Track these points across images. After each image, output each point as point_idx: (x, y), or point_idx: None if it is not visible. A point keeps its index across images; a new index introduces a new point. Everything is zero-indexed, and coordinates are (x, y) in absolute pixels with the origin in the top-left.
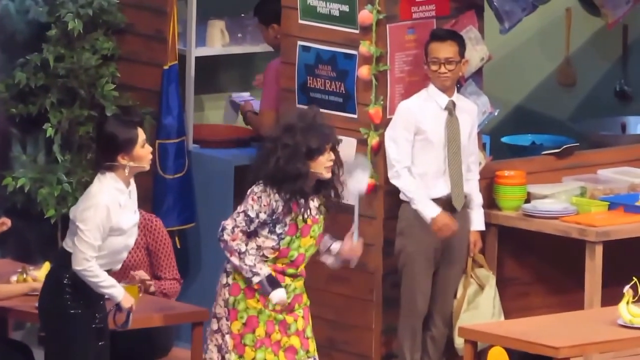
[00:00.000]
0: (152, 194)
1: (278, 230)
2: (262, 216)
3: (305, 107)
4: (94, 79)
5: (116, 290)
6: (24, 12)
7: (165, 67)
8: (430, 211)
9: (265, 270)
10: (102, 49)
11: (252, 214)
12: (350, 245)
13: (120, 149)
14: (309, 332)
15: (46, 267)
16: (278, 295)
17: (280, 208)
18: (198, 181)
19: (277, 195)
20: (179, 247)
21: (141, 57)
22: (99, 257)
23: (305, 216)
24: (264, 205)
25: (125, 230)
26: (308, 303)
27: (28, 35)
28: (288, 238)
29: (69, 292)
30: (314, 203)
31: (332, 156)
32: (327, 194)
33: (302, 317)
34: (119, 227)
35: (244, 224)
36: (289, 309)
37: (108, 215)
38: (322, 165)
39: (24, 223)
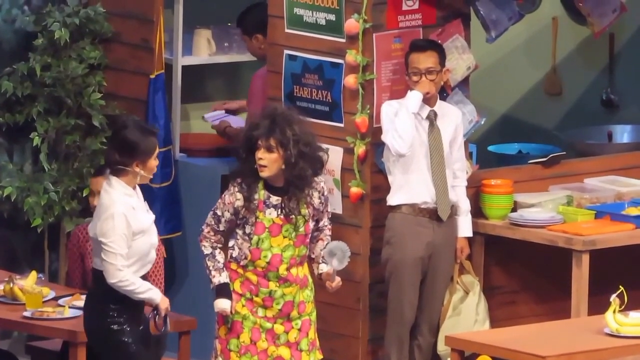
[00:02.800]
0: None
1: (247, 230)
2: (227, 215)
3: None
4: (81, 88)
5: (153, 293)
6: (10, 22)
7: (152, 76)
8: None
9: (218, 279)
10: (88, 58)
11: (219, 212)
12: (330, 282)
13: (138, 157)
14: (304, 345)
15: (33, 276)
16: (219, 306)
17: (242, 205)
18: (185, 190)
19: (238, 193)
20: (165, 256)
21: (128, 66)
22: (130, 264)
23: (267, 213)
24: (228, 204)
25: (146, 229)
26: (313, 316)
27: (15, 44)
28: (256, 237)
29: (112, 308)
30: (290, 203)
31: (263, 156)
32: (297, 196)
33: (299, 329)
34: (141, 228)
35: (213, 223)
36: (280, 316)
37: (127, 222)
38: (256, 162)
39: (10, 232)
